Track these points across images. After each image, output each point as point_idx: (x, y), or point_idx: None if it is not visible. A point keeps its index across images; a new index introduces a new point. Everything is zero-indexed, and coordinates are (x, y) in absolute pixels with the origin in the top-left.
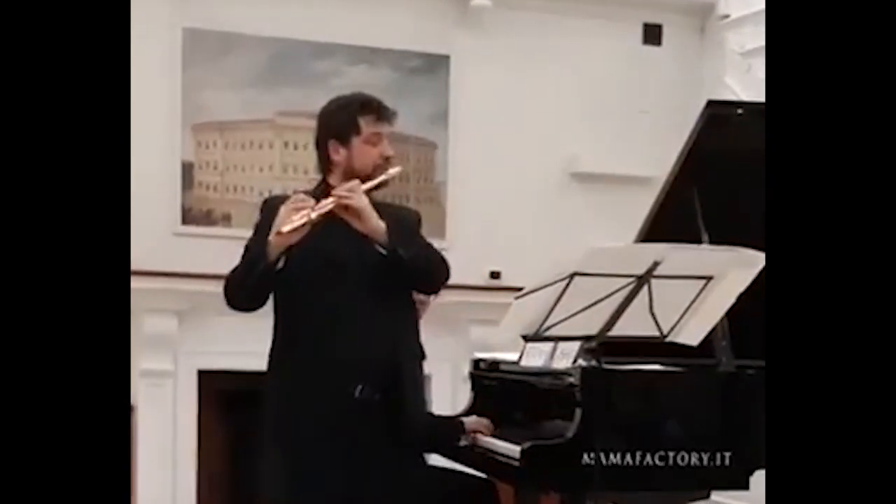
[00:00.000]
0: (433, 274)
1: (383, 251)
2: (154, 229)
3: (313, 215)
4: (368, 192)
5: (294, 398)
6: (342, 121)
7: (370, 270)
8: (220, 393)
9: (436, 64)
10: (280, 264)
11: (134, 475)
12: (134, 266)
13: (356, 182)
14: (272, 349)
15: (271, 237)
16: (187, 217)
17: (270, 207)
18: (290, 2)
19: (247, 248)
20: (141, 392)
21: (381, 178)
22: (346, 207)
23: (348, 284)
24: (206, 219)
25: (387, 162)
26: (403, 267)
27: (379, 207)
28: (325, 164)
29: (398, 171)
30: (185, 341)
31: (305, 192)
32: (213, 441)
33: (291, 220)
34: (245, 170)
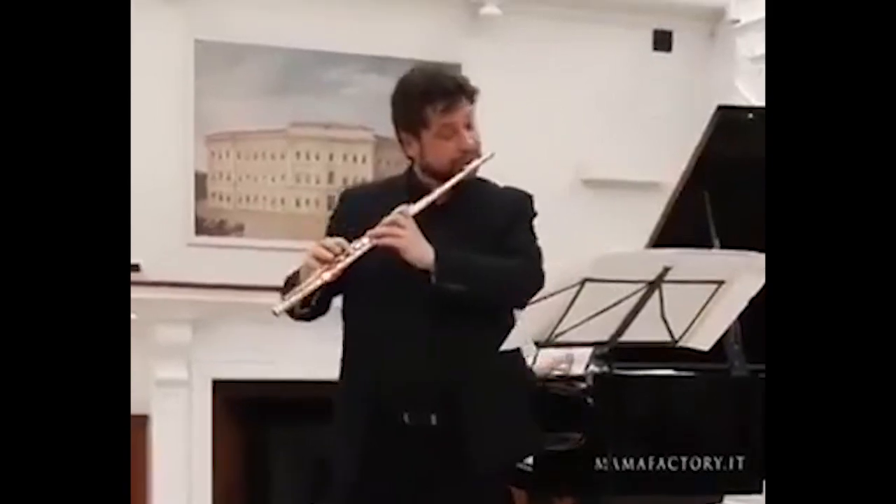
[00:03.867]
0: (498, 297)
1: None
2: (168, 240)
3: (336, 268)
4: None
5: (347, 421)
6: (408, 111)
7: (426, 295)
8: (234, 402)
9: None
10: (314, 300)
11: (149, 484)
12: (148, 276)
13: (402, 209)
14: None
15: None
16: (200, 227)
17: (349, 204)
18: (302, 12)
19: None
20: (155, 401)
21: (451, 181)
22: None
23: (402, 306)
24: (220, 229)
25: (465, 155)
26: (460, 299)
27: (467, 193)
28: (405, 152)
29: (479, 163)
30: (200, 351)
31: (390, 179)
32: (227, 450)
33: (310, 282)
34: (258, 180)
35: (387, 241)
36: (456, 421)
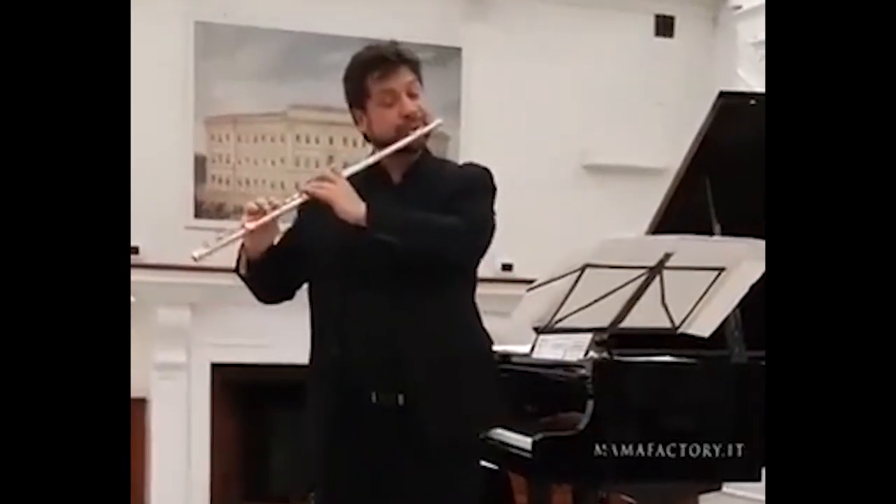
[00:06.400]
0: (431, 250)
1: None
2: (167, 223)
3: (261, 219)
4: (398, 152)
5: (315, 399)
6: (352, 84)
7: (378, 259)
8: (233, 385)
9: (448, 56)
10: (261, 260)
11: (147, 467)
12: (147, 259)
13: (331, 168)
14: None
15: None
16: (200, 210)
17: None
18: None
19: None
20: (154, 385)
21: (393, 147)
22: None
23: (359, 275)
24: (219, 212)
25: (408, 121)
26: (399, 252)
27: (421, 166)
28: (360, 131)
29: (426, 130)
30: (199, 334)
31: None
32: (226, 433)
33: (233, 230)
34: (257, 163)
35: (316, 192)
36: (420, 399)
